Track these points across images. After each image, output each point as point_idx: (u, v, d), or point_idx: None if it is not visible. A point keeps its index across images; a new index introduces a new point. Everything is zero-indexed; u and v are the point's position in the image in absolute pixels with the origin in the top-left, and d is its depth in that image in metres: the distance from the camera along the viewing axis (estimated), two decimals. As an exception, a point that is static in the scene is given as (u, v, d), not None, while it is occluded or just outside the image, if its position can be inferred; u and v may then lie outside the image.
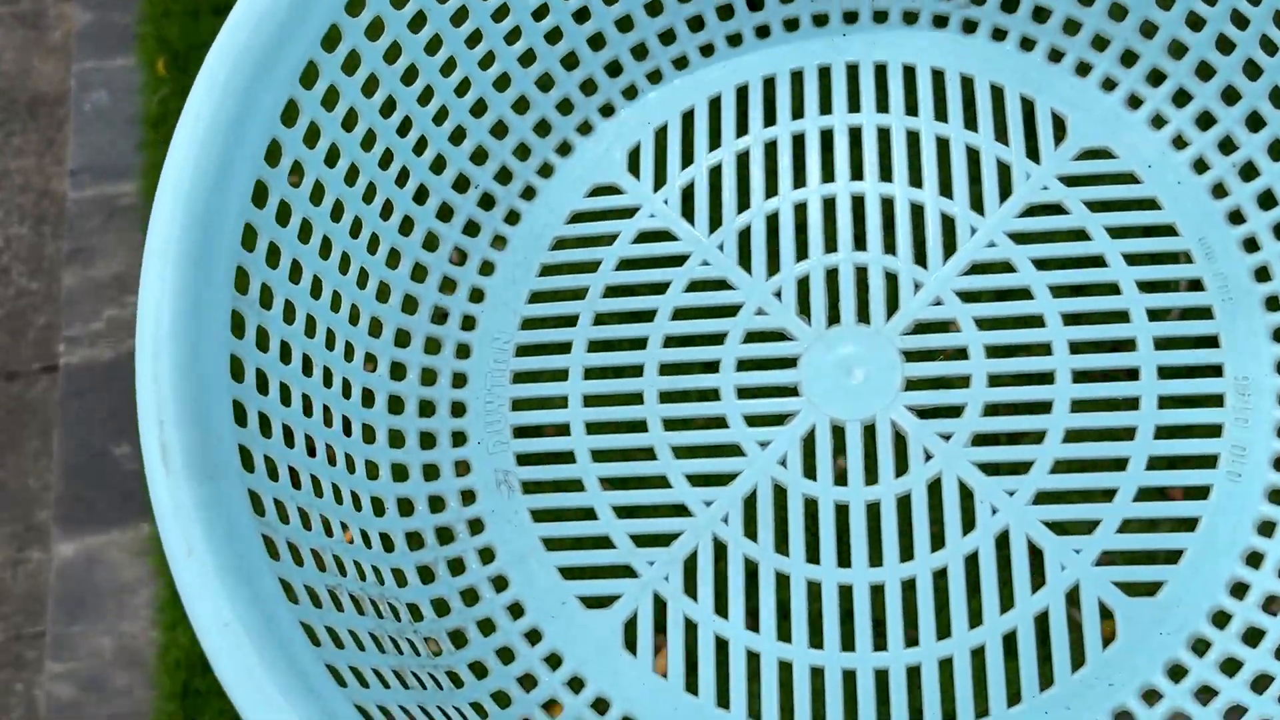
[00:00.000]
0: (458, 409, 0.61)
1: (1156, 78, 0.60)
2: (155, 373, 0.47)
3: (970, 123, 0.61)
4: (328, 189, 0.56)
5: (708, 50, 0.65)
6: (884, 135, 0.62)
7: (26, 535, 1.35)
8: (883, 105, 0.62)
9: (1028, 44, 0.62)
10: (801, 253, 0.60)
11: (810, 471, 0.57)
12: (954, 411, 0.57)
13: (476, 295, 0.62)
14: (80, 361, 1.37)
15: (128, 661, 1.32)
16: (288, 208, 0.54)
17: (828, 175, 0.61)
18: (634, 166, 0.64)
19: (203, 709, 1.32)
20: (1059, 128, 0.61)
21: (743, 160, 0.63)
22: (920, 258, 0.59)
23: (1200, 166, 0.59)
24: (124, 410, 1.34)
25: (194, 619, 0.44)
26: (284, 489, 0.50)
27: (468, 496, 0.59)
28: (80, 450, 1.34)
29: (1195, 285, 0.57)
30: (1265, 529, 0.53)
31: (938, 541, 0.55)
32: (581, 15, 0.63)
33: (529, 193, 0.64)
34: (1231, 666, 0.52)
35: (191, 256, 0.49)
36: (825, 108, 0.63)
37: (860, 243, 0.60)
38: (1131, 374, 0.56)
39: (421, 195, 0.61)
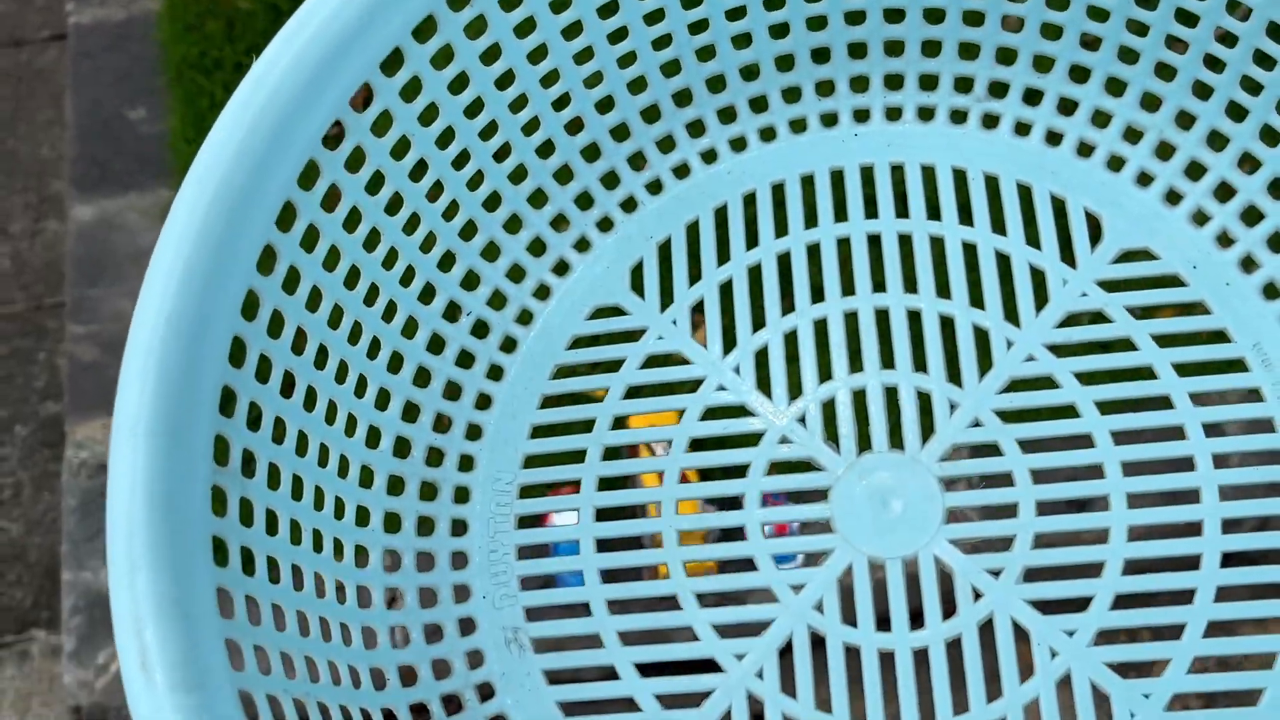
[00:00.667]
0: (459, 560, 0.56)
1: (1196, 171, 0.57)
2: (130, 565, 0.42)
3: (998, 226, 0.57)
4: (310, 335, 0.52)
5: (710, 156, 0.61)
6: (905, 242, 0.57)
7: (42, 206, 1.32)
8: (902, 210, 0.58)
9: (1054, 138, 0.58)
10: (825, 374, 0.56)
11: (850, 617, 0.52)
12: (1002, 544, 0.52)
13: (474, 432, 0.58)
14: (91, 21, 1.33)
15: None
16: (268, 362, 0.49)
17: (848, 288, 0.57)
18: (637, 285, 0.59)
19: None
20: (1094, 228, 0.57)
21: (754, 274, 0.58)
22: (954, 375, 0.55)
23: (1249, 265, 0.55)
24: (137, 72, 1.31)
25: None
26: (278, 681, 0.45)
27: (475, 658, 0.54)
28: (93, 113, 1.30)
29: (1253, 394, 0.53)
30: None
31: (994, 690, 0.50)
32: (574, 126, 0.59)
33: (525, 317, 0.59)
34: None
35: (165, 434, 0.44)
36: (840, 214, 0.59)
37: (888, 361, 0.56)
38: (1192, 495, 0.52)
39: (410, 328, 0.57)
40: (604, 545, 0.55)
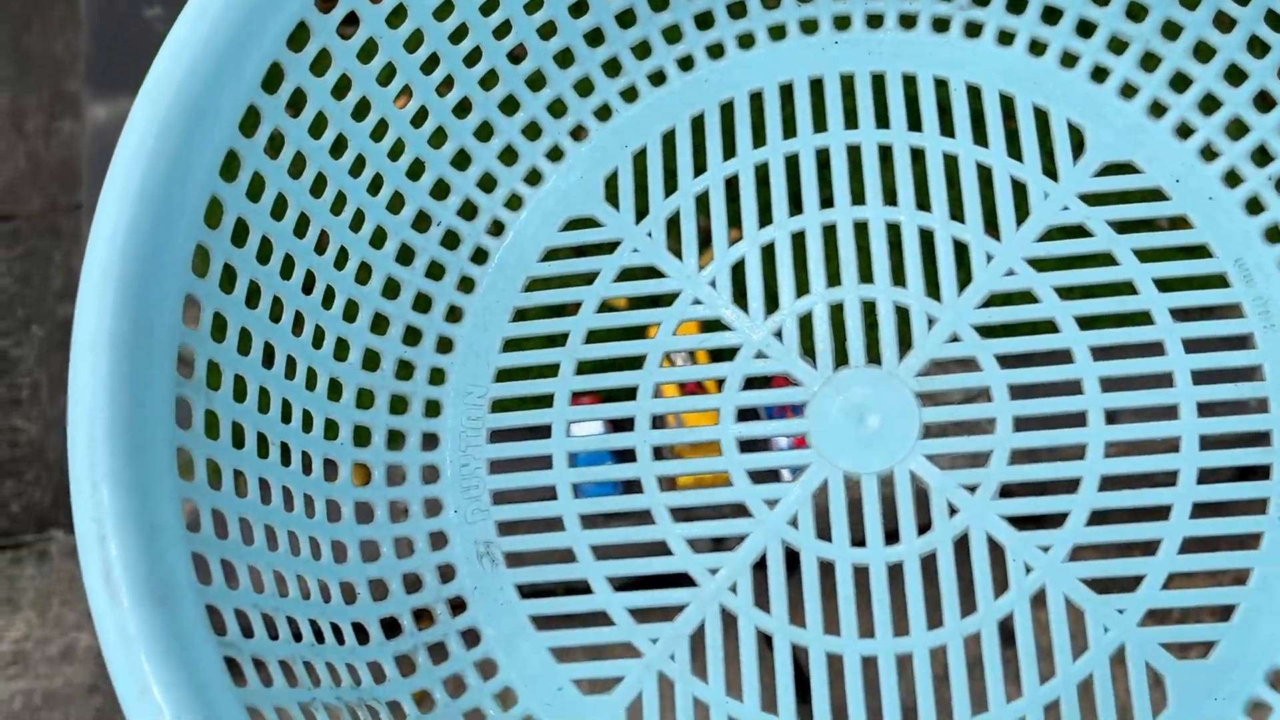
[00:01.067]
0: (430, 474, 0.55)
1: (1181, 83, 0.55)
2: (92, 480, 0.41)
3: (980, 137, 0.56)
4: (275, 243, 0.50)
5: (687, 63, 0.59)
6: (885, 154, 0.56)
7: (57, 106, 1.30)
8: (883, 120, 0.57)
9: (1038, 48, 0.57)
10: (802, 288, 0.55)
11: (824, 532, 0.52)
12: (978, 460, 0.52)
13: (444, 345, 0.57)
14: (104, -84, 1.29)
15: None
16: (232, 271, 0.48)
17: (826, 200, 0.56)
18: (612, 196, 0.58)
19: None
20: (1076, 140, 0.56)
21: (731, 186, 0.57)
22: (933, 290, 0.54)
23: (1233, 179, 0.54)
24: (153, -31, 1.25)
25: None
26: (245, 595, 0.45)
27: (446, 573, 0.53)
28: (108, 11, 1.26)
29: (1234, 309, 0.53)
30: (1323, 579, 0.49)
31: (968, 605, 0.50)
32: (548, 30, 0.57)
33: (497, 228, 0.58)
34: (1296, 734, 0.47)
35: (126, 345, 0.42)
36: (819, 124, 0.57)
37: (866, 275, 0.55)
38: (1170, 412, 0.52)
39: (379, 238, 0.55)
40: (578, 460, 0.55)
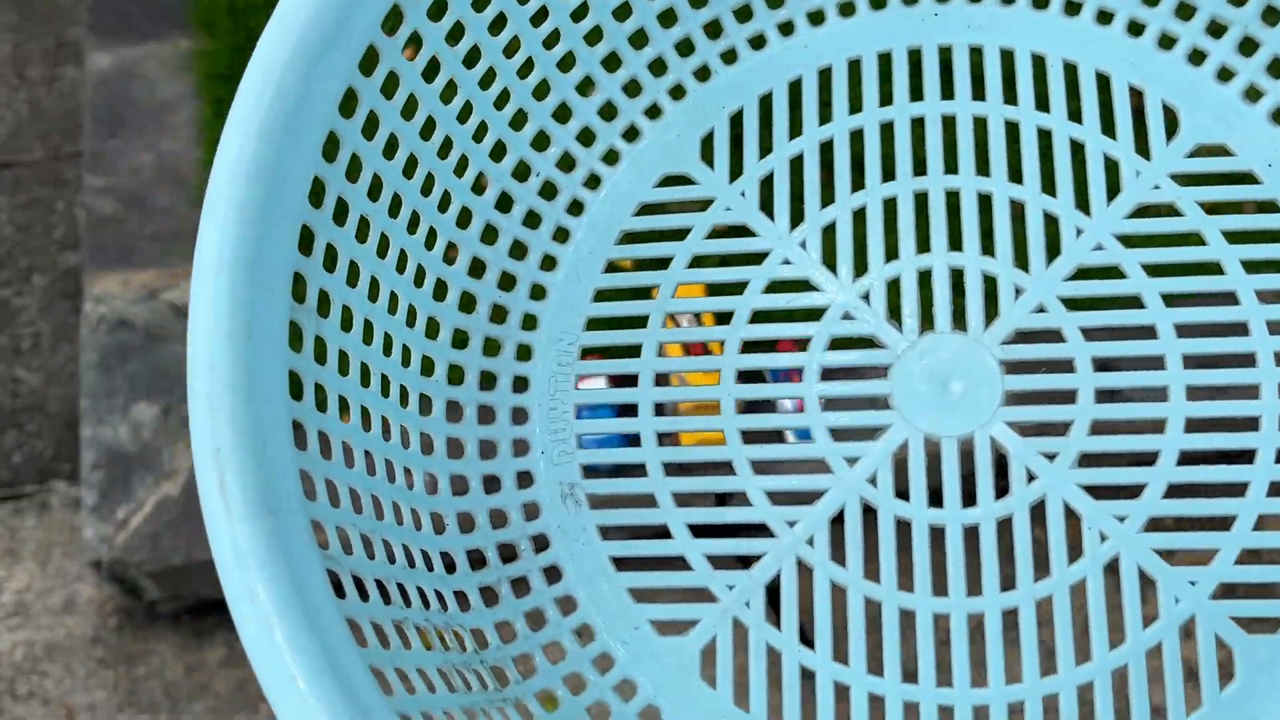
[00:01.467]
0: (519, 415, 0.56)
1: (1279, 69, 0.56)
2: (210, 394, 0.43)
3: (1074, 114, 0.57)
4: (385, 182, 0.52)
5: (787, 28, 0.60)
6: (980, 125, 0.57)
7: (59, 53, 1.31)
8: (979, 92, 0.58)
9: (1136, 29, 0.58)
10: (891, 253, 0.56)
11: (903, 491, 0.53)
12: (1059, 429, 0.53)
13: (538, 292, 0.58)
14: None
15: (169, 180, 1.29)
16: (345, 205, 0.50)
17: (919, 169, 0.57)
18: (707, 155, 0.59)
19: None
20: (1170, 121, 0.56)
21: (826, 150, 0.58)
22: (1021, 260, 0.55)
23: (1326, 166, 0.55)
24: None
25: (258, 672, 0.40)
26: (346, 515, 0.46)
27: (531, 510, 0.55)
28: None
29: (1319, 295, 0.53)
30: (1396, 562, 0.50)
31: (1041, 569, 0.51)
32: (654, -10, 0.59)
33: (593, 181, 0.60)
34: (1362, 712, 0.48)
35: (246, 268, 0.44)
36: (916, 94, 0.58)
37: (955, 243, 0.56)
38: (1251, 391, 0.52)
39: (480, 185, 0.57)
40: (663, 410, 0.56)
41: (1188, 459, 0.52)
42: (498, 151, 0.57)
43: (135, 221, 1.27)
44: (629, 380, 0.56)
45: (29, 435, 1.26)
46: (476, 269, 0.57)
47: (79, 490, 1.28)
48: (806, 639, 0.52)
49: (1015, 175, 0.56)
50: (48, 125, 1.31)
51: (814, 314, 0.56)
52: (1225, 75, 0.57)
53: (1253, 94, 0.56)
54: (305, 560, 0.42)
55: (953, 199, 0.56)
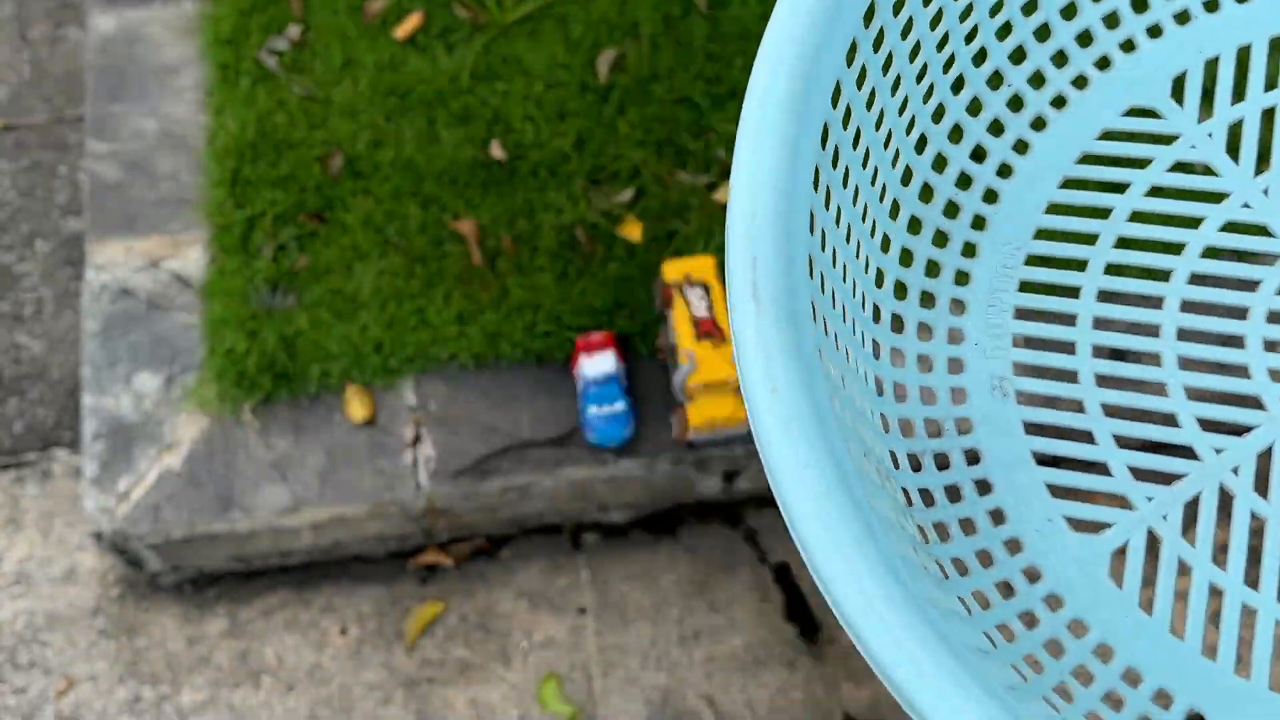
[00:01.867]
0: (957, 307, 0.59)
1: None
2: (751, 212, 0.47)
3: None
4: (877, 92, 0.55)
5: (1278, -16, 0.62)
6: None
7: (62, 12, 1.28)
8: None
9: None
10: (1358, 213, 0.57)
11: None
12: None
13: (990, 196, 0.61)
14: None
15: (173, 146, 1.26)
16: (864, 71, 0.53)
17: (1400, 135, 0.58)
18: (1178, 93, 0.61)
19: (252, 198, 1.28)
20: None
21: (1301, 105, 0.59)
22: None
23: None
24: None
25: (771, 457, 0.44)
26: (829, 345, 0.50)
27: (958, 395, 0.58)
28: None
29: None
30: None
31: None
32: (1156, -73, 0.61)
33: (1059, 101, 0.62)
34: None
35: (792, 106, 0.48)
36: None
37: None
38: None
39: (958, 85, 0.60)
40: (1100, 324, 0.58)
41: None
42: (979, 57, 0.60)
43: (138, 188, 1.25)
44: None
45: (31, 403, 1.26)
46: (938, 164, 0.60)
47: (80, 459, 1.26)
48: (1220, 561, 0.54)
49: None
50: (50, 88, 1.26)
51: (1268, 258, 0.57)
52: None
53: None
54: (815, 371, 0.46)
55: None
